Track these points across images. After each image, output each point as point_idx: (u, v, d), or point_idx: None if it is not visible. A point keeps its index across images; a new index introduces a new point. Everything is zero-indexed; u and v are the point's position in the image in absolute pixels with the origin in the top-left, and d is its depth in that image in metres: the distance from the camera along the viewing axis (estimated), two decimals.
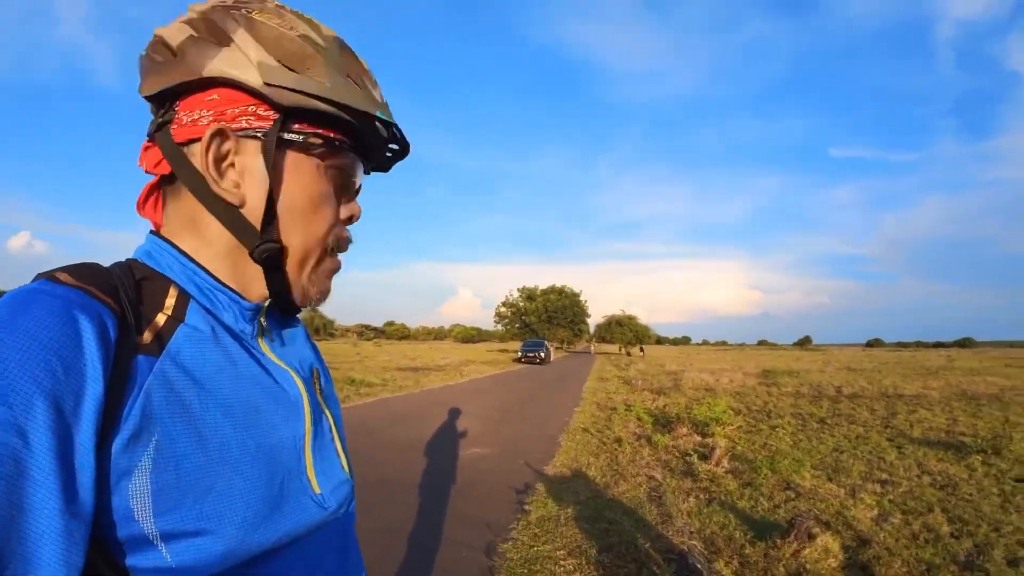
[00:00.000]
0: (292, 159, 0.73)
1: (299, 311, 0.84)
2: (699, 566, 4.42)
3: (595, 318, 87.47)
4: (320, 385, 0.87)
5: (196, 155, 0.71)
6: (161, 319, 0.66)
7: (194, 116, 0.71)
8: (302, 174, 0.74)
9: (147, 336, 0.63)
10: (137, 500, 0.55)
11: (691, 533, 5.26)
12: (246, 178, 0.72)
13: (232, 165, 0.71)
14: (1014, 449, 8.70)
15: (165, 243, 0.74)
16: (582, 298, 77.96)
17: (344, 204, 0.81)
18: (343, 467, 0.83)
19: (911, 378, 24.20)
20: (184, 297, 0.70)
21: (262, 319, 0.79)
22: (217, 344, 0.70)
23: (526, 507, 5.95)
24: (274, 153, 0.71)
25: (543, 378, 25.50)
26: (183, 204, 0.74)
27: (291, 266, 0.76)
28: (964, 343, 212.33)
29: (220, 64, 0.69)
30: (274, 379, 0.75)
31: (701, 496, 6.56)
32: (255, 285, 0.76)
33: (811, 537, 4.77)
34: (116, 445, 0.55)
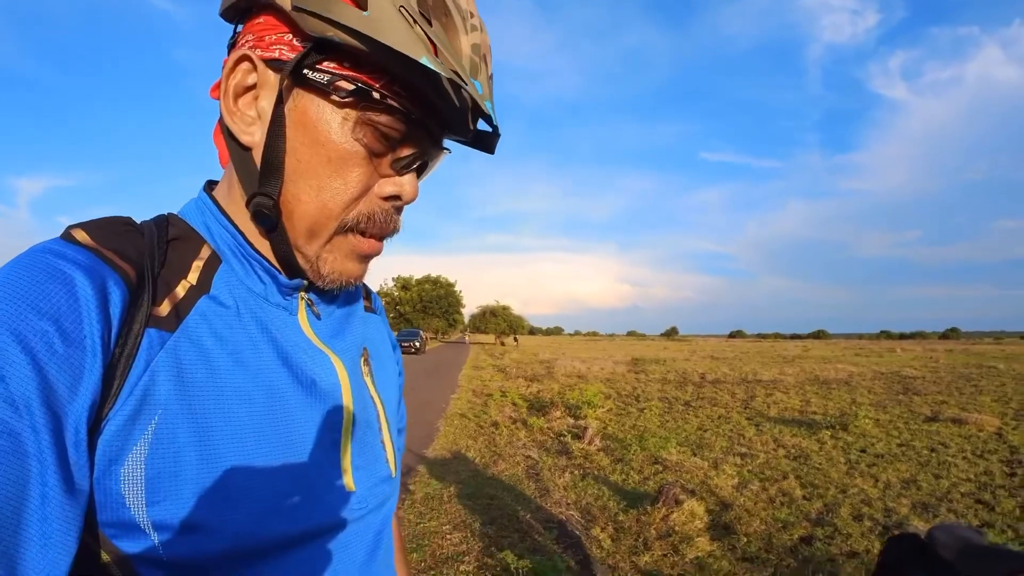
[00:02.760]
0: (312, 103, 0.60)
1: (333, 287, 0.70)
2: (577, 532, 4.67)
3: (470, 308, 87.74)
4: (370, 368, 0.78)
5: None
6: (182, 289, 0.60)
7: (243, 41, 0.63)
8: (320, 123, 0.60)
9: (164, 307, 0.57)
10: (128, 485, 0.51)
11: (568, 504, 5.55)
12: (262, 117, 0.62)
13: (256, 99, 0.63)
14: (859, 425, 9.69)
15: (208, 198, 0.68)
16: (457, 288, 78.12)
17: (386, 176, 0.65)
18: (387, 462, 0.75)
19: (769, 365, 26.12)
20: (213, 262, 0.64)
21: (303, 292, 0.71)
22: (241, 321, 0.63)
23: (410, 487, 6.02)
24: (292, 92, 0.61)
25: (419, 367, 25.38)
26: (230, 148, 0.66)
27: (296, 232, 0.64)
28: (818, 335, 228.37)
29: None
30: (310, 364, 0.67)
31: (576, 472, 6.88)
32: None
33: (678, 503, 5.15)
34: (111, 425, 0.51)
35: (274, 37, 0.60)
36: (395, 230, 0.69)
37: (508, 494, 5.88)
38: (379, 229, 0.66)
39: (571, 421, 10.12)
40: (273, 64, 0.60)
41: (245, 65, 0.62)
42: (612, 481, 6.48)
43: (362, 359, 0.76)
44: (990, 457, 7.66)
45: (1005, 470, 7.08)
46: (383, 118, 0.61)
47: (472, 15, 0.64)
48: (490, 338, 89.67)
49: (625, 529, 4.90)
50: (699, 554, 4.36)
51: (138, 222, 0.63)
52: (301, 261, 0.66)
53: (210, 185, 0.72)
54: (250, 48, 0.61)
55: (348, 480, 0.67)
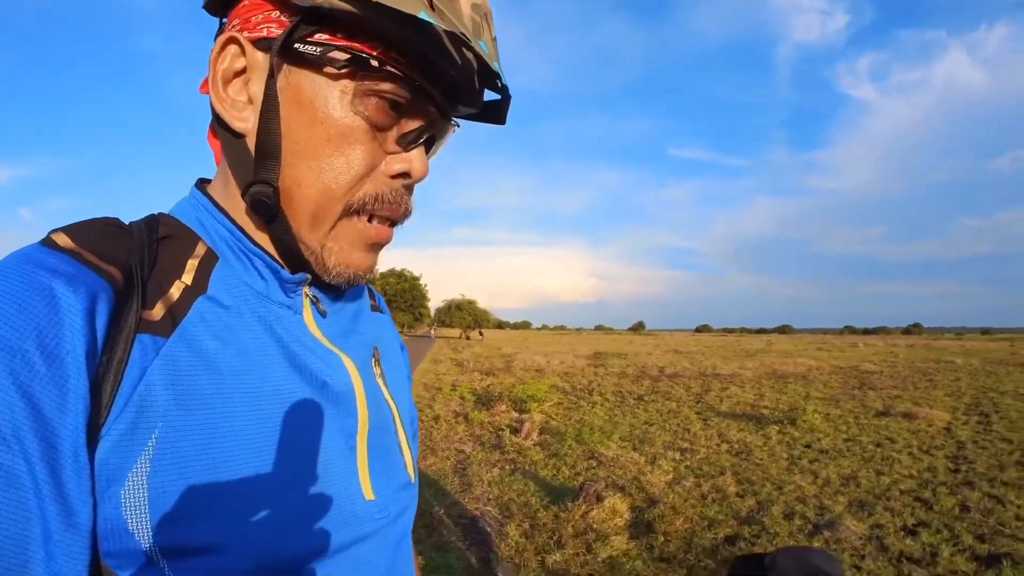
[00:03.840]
0: (306, 79, 0.57)
1: (346, 282, 0.65)
2: (488, 529, 4.37)
3: (436, 302, 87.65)
4: (381, 369, 0.73)
5: None
6: (176, 290, 0.55)
7: (230, 27, 0.59)
8: (316, 99, 0.57)
9: (157, 310, 0.53)
10: (131, 509, 0.46)
11: (488, 500, 5.26)
12: (254, 101, 0.58)
13: (247, 83, 0.59)
14: (807, 419, 9.46)
15: (203, 195, 0.64)
16: (422, 282, 77.72)
17: (392, 153, 0.61)
18: (405, 467, 0.70)
19: (730, 359, 26.04)
20: (210, 260, 0.59)
21: (307, 289, 0.65)
22: (243, 322, 0.58)
23: None
24: (284, 70, 0.57)
25: None
26: (223, 139, 0.62)
27: (299, 221, 0.60)
28: (783, 329, 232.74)
29: None
30: (319, 364, 0.62)
31: (506, 467, 6.63)
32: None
33: (599, 499, 4.89)
34: (106, 443, 0.46)
35: (261, 16, 0.57)
36: (407, 212, 0.65)
37: (429, 489, 5.59)
38: (389, 210, 0.62)
39: (515, 415, 9.83)
40: (261, 44, 0.57)
41: (233, 49, 0.58)
42: (541, 477, 6.21)
43: (373, 359, 0.72)
44: (936, 453, 7.54)
45: (949, 466, 6.95)
46: (384, 86, 0.57)
47: None
48: (456, 332, 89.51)
49: (541, 526, 4.61)
50: (613, 553, 4.08)
51: (127, 222, 0.58)
52: (305, 253, 0.61)
53: (202, 183, 0.68)
54: (237, 31, 0.58)
55: (367, 488, 0.62)
